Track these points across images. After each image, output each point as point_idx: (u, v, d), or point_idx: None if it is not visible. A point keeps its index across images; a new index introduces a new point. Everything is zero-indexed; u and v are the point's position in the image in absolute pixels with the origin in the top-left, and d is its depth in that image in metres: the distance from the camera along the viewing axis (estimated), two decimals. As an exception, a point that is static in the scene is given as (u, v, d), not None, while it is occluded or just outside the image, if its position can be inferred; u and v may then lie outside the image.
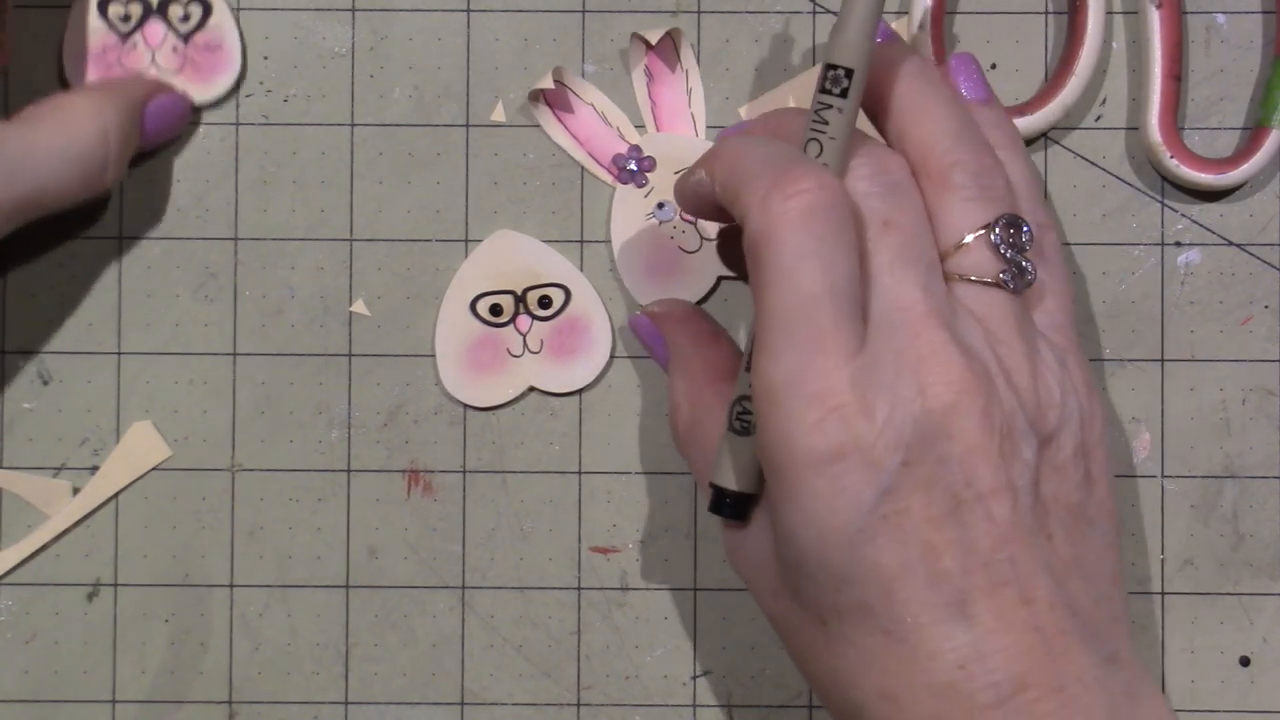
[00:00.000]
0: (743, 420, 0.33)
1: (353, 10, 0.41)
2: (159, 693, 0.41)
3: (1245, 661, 0.41)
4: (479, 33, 0.41)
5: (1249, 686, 0.41)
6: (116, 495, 0.41)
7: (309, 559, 0.41)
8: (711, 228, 0.41)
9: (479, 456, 0.41)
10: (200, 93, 0.41)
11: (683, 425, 0.36)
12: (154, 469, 0.41)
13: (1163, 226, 0.41)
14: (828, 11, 0.41)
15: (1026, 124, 0.40)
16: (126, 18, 0.41)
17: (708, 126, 0.41)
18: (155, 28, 0.41)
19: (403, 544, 0.41)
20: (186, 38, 0.41)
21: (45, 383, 0.41)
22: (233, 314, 0.41)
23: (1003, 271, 0.32)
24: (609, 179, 0.41)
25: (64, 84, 0.41)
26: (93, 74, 0.41)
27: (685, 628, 0.41)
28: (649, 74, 0.41)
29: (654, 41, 0.40)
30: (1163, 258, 0.41)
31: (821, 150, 0.32)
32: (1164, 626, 0.41)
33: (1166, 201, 0.41)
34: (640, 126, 0.41)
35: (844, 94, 0.32)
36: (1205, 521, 0.41)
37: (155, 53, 0.41)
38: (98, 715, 0.41)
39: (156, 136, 0.40)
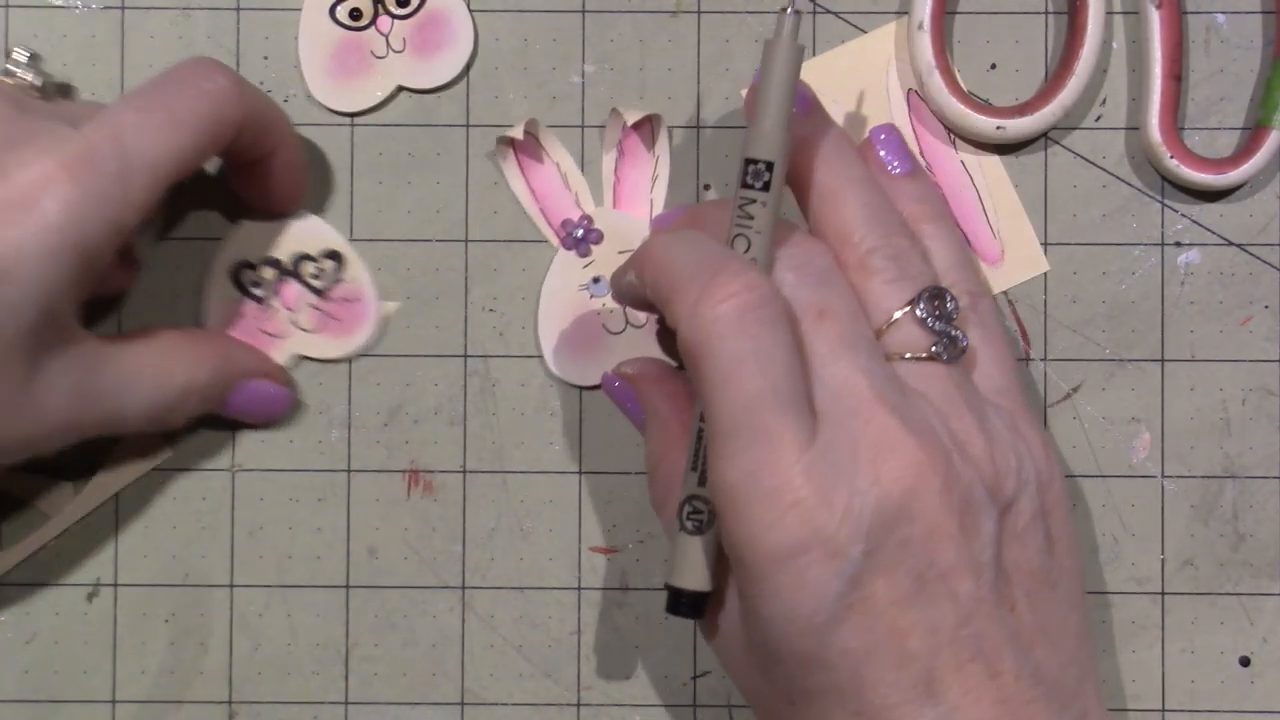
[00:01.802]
0: (694, 520, 0.33)
1: (353, 10, 0.41)
2: (159, 693, 0.41)
3: (1245, 661, 0.41)
4: (479, 32, 0.41)
5: (1249, 686, 0.41)
6: (116, 495, 0.41)
7: (309, 559, 0.41)
8: (638, 316, 0.41)
9: (479, 456, 0.41)
10: (342, 346, 0.41)
11: (659, 489, 0.36)
12: (154, 469, 0.41)
13: (1163, 226, 0.41)
14: (828, 11, 0.41)
15: (1026, 124, 0.40)
16: (259, 283, 0.41)
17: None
18: (290, 289, 0.40)
19: (403, 544, 0.41)
20: (323, 293, 0.41)
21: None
22: (233, 314, 0.41)
23: (934, 345, 0.33)
24: (554, 240, 0.41)
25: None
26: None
27: (685, 628, 0.41)
28: (620, 150, 0.41)
29: (632, 121, 0.40)
30: (1163, 258, 0.41)
31: (749, 245, 0.32)
32: (1164, 626, 0.41)
33: (1166, 201, 0.41)
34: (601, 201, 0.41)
35: (765, 187, 0.32)
36: (1205, 521, 0.41)
37: (294, 315, 0.40)
38: (98, 715, 0.41)
39: (239, 413, 0.39)
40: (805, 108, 0.36)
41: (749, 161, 0.33)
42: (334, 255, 0.41)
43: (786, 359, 0.30)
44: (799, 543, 0.29)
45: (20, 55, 0.39)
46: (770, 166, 0.32)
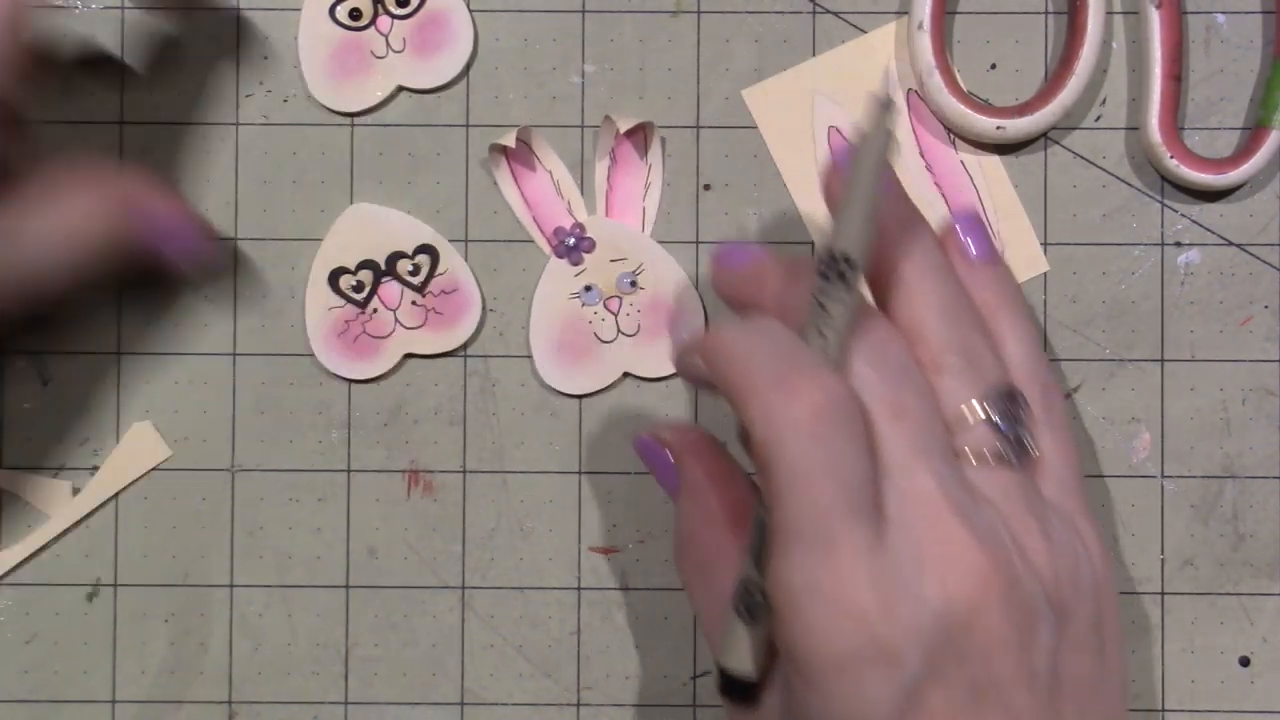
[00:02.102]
0: (750, 608, 0.32)
1: (353, 10, 0.41)
2: (159, 693, 0.41)
3: (1245, 661, 0.41)
4: (479, 32, 0.41)
5: (1249, 686, 0.41)
6: (116, 495, 0.41)
7: (309, 559, 0.41)
8: (629, 324, 0.41)
9: (479, 456, 0.41)
10: (448, 340, 0.41)
11: (693, 565, 0.35)
12: (154, 469, 0.41)
13: (1163, 226, 0.41)
14: (827, 11, 0.41)
15: (1026, 124, 0.40)
16: (359, 286, 0.41)
17: (659, 229, 0.41)
18: (390, 289, 0.41)
19: (403, 544, 0.41)
20: (422, 289, 0.41)
21: (45, 383, 0.41)
22: (233, 314, 0.41)
23: (1004, 448, 0.32)
24: (546, 249, 0.41)
25: (317, 364, 0.41)
26: (341, 351, 0.41)
27: (685, 628, 0.41)
28: (614, 158, 0.41)
29: (625, 129, 0.40)
30: (1163, 258, 0.41)
31: (823, 338, 0.31)
32: (1164, 626, 0.41)
33: (1166, 201, 0.41)
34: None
35: (845, 281, 0.31)
36: (1205, 521, 0.41)
37: (396, 313, 0.41)
38: (98, 715, 0.41)
39: (157, 251, 0.37)
40: (890, 188, 0.35)
41: (830, 253, 0.31)
42: (427, 249, 0.41)
43: (859, 465, 0.30)
44: (858, 652, 0.29)
45: None
46: (851, 261, 0.31)
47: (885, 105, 0.31)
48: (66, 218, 0.35)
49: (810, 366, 0.30)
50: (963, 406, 0.32)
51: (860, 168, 0.31)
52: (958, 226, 0.35)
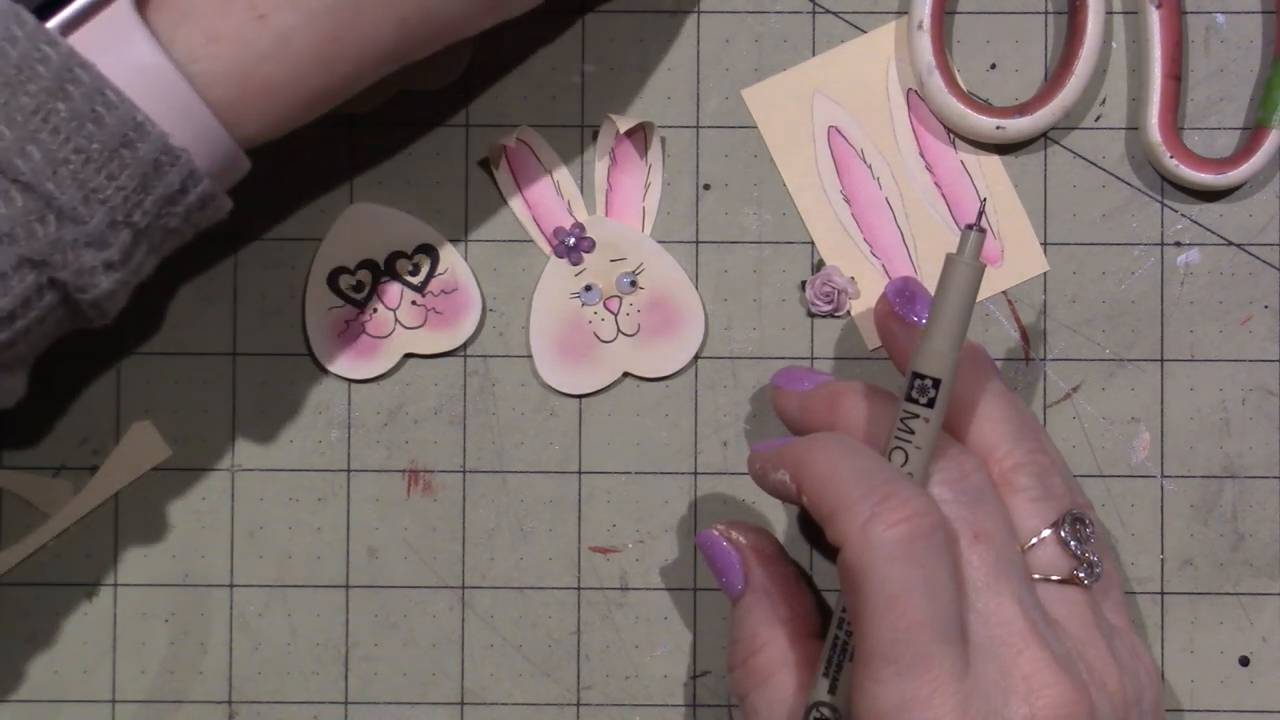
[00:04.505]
0: None
1: (353, 10, 0.41)
2: (159, 693, 0.41)
3: (1245, 661, 0.41)
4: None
5: (1249, 686, 0.41)
6: (116, 495, 0.41)
7: (309, 559, 0.41)
8: (629, 324, 0.41)
9: (479, 456, 0.41)
10: (449, 340, 0.41)
11: (755, 673, 0.35)
12: (154, 469, 0.41)
13: (1163, 226, 0.41)
14: (827, 11, 0.41)
15: (1026, 124, 0.40)
16: (359, 286, 0.41)
17: (655, 230, 0.41)
18: (390, 289, 0.40)
19: (403, 544, 0.41)
20: (422, 289, 0.41)
21: (45, 383, 0.41)
22: (233, 314, 0.41)
23: (1076, 569, 0.33)
24: (546, 249, 0.41)
25: (317, 364, 0.41)
26: (341, 351, 0.40)
27: (685, 628, 0.41)
28: (614, 158, 0.41)
29: (625, 129, 0.40)
30: (1163, 258, 0.41)
31: (906, 459, 0.32)
32: (1164, 626, 0.41)
33: (1166, 201, 0.41)
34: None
35: (930, 403, 0.32)
36: (1205, 521, 0.41)
37: (396, 313, 0.40)
38: (98, 715, 0.41)
39: None
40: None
41: (916, 375, 0.32)
42: (427, 249, 0.41)
43: (950, 588, 0.30)
44: None
45: None
46: (937, 384, 0.32)
47: (979, 235, 0.32)
48: None
49: (904, 488, 0.30)
50: (1038, 526, 0.33)
51: (950, 294, 0.32)
52: (895, 298, 0.36)
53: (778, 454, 0.33)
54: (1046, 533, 0.33)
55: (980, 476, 0.33)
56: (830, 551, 0.32)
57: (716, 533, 0.36)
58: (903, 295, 0.36)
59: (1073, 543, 0.33)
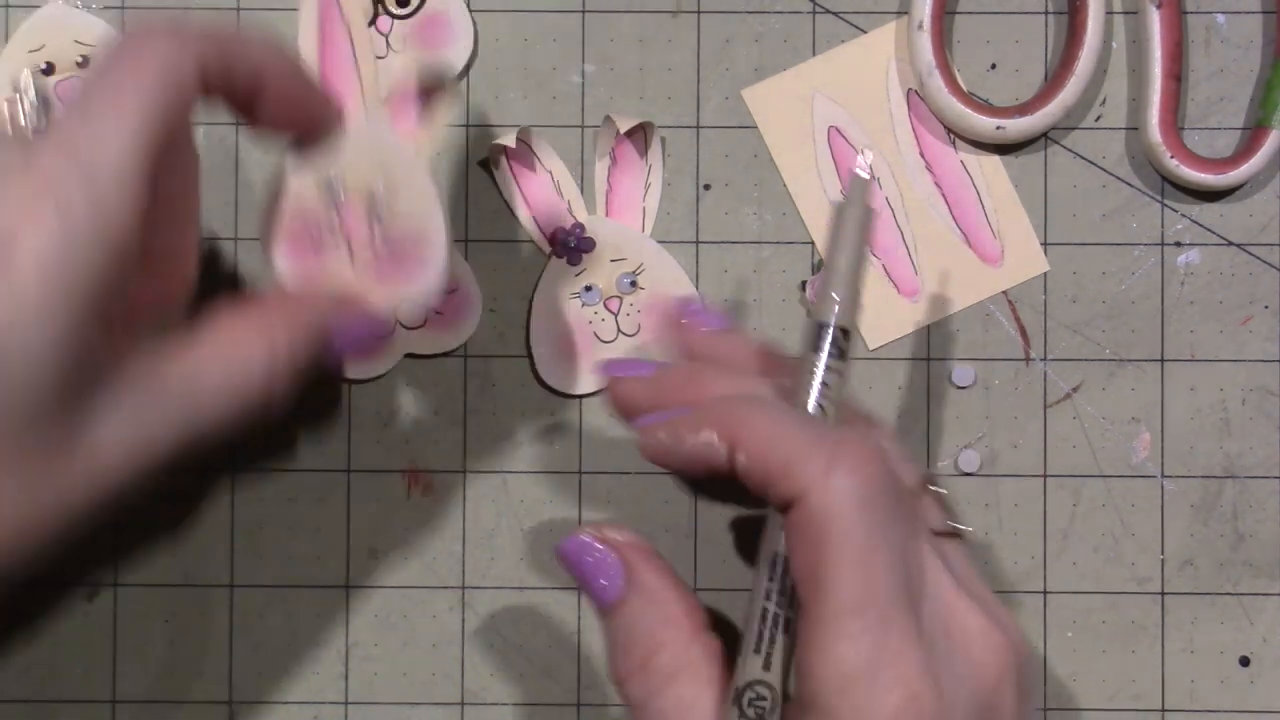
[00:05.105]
0: (758, 708, 0.30)
1: (353, 10, 0.41)
2: (159, 693, 0.41)
3: (1245, 661, 0.41)
4: (479, 32, 0.41)
5: (1249, 686, 0.41)
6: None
7: (309, 559, 0.41)
8: (629, 324, 0.41)
9: (479, 457, 0.41)
10: (449, 340, 0.40)
11: (658, 674, 0.32)
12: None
13: (1163, 226, 0.41)
14: (827, 11, 0.41)
15: (1026, 124, 0.40)
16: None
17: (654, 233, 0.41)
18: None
19: (403, 544, 0.41)
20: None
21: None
22: (233, 314, 0.41)
23: (952, 522, 0.33)
24: (545, 248, 0.41)
25: None
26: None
27: (685, 628, 0.41)
28: (614, 158, 0.41)
29: (625, 129, 0.40)
30: (1163, 258, 0.41)
31: (824, 415, 0.31)
32: (1164, 626, 0.41)
33: (1166, 201, 0.41)
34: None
35: (842, 353, 0.31)
36: (1205, 521, 0.41)
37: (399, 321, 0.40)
38: (98, 715, 0.41)
39: (341, 361, 0.35)
40: (720, 323, 0.35)
41: (827, 327, 0.31)
42: None
43: (904, 538, 0.29)
44: None
45: (26, 83, 0.37)
46: (847, 332, 0.31)
47: (864, 182, 0.32)
48: (244, 358, 0.32)
49: (853, 436, 0.30)
50: (917, 485, 0.32)
51: (845, 243, 0.32)
52: (686, 314, 0.35)
53: (699, 416, 0.31)
54: (929, 490, 0.33)
55: (878, 432, 0.33)
56: (744, 541, 0.32)
57: (588, 536, 0.33)
58: (688, 310, 0.35)
59: (944, 495, 0.33)
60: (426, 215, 0.33)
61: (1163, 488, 0.41)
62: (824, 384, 0.31)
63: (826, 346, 0.31)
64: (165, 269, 0.35)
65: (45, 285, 0.28)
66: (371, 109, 0.33)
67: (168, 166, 0.31)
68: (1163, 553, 0.41)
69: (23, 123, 0.35)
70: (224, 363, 0.32)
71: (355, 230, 0.34)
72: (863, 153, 0.33)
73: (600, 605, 0.33)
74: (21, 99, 0.36)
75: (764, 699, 0.30)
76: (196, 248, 0.35)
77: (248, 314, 0.33)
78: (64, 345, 0.29)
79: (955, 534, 0.32)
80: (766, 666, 0.30)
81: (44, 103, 0.36)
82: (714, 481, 0.32)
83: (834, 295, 0.31)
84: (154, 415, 0.31)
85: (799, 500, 0.29)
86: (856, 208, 0.31)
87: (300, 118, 0.34)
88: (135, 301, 0.32)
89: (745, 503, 0.33)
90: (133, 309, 0.32)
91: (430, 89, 0.32)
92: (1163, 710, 0.41)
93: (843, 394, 0.31)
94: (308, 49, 0.39)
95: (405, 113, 0.33)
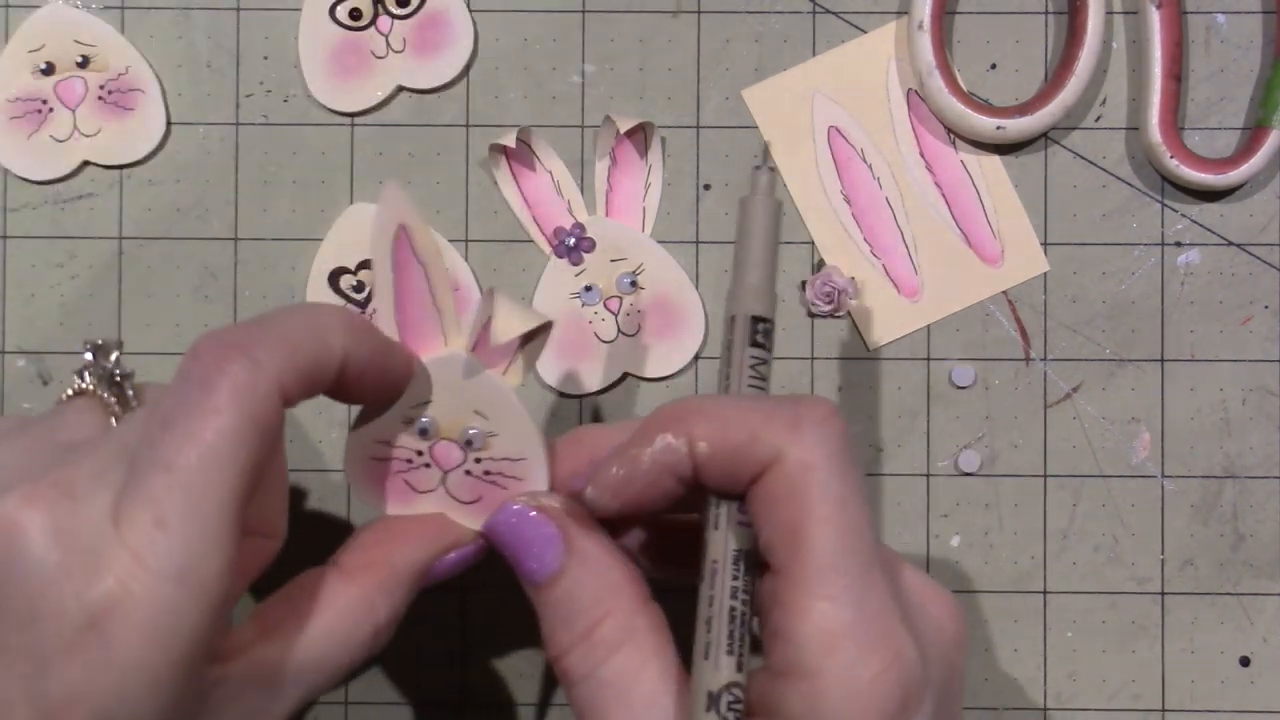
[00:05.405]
0: (735, 710, 0.29)
1: (353, 10, 0.41)
2: (159, 693, 0.41)
3: (1245, 661, 0.41)
4: (479, 32, 0.41)
5: (1249, 686, 0.41)
6: (116, 495, 0.41)
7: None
8: (629, 324, 0.41)
9: (479, 456, 0.41)
10: None
11: (603, 644, 0.30)
12: (154, 469, 0.41)
13: (1163, 226, 0.41)
14: (827, 11, 0.41)
15: (1026, 124, 0.40)
16: (359, 286, 0.41)
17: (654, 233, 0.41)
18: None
19: (403, 544, 0.41)
20: None
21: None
22: (233, 314, 0.41)
23: None
24: (546, 248, 0.41)
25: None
26: None
27: (685, 627, 0.41)
28: (614, 158, 0.41)
29: (625, 129, 0.40)
30: (1163, 258, 0.41)
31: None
32: (1164, 626, 0.41)
33: (1166, 201, 0.41)
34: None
35: (768, 342, 0.32)
36: (1205, 521, 0.41)
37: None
38: (98, 715, 0.41)
39: (435, 583, 0.34)
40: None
41: (752, 319, 0.31)
42: None
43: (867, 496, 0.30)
44: (902, 699, 0.28)
45: (90, 356, 0.33)
46: (769, 322, 0.32)
47: (770, 173, 0.32)
48: (352, 633, 0.31)
49: (806, 398, 0.30)
50: None
51: (755, 235, 0.32)
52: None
53: (650, 424, 0.30)
54: None
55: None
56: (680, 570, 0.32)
57: (520, 505, 0.32)
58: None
59: None
60: (525, 440, 0.33)
61: (1163, 488, 0.41)
62: (759, 376, 0.31)
63: (747, 336, 0.31)
64: (256, 544, 0.34)
65: (149, 661, 0.27)
66: (455, 347, 0.32)
67: (258, 483, 0.29)
68: (1163, 553, 0.41)
69: (117, 413, 0.33)
70: (333, 642, 0.31)
71: (448, 463, 0.33)
72: (765, 144, 0.33)
73: (535, 579, 0.31)
74: (101, 381, 0.33)
75: (740, 701, 0.29)
76: (285, 512, 0.34)
77: (347, 586, 0.32)
78: (172, 703, 0.28)
79: None
80: (739, 668, 0.30)
81: (121, 383, 0.33)
82: (662, 541, 0.32)
83: (747, 285, 0.32)
84: (266, 709, 0.30)
85: (772, 464, 0.28)
86: (764, 199, 0.32)
87: (382, 385, 0.32)
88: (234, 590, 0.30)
89: (686, 566, 0.32)
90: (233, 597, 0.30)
91: (531, 334, 0.32)
92: (1163, 710, 0.41)
93: (767, 385, 0.31)
94: (383, 292, 0.33)
95: (498, 352, 0.32)
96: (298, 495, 0.41)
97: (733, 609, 0.30)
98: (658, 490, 0.30)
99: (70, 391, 0.33)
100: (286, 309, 0.30)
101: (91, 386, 0.33)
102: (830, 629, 0.28)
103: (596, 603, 0.31)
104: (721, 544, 0.30)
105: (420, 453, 0.33)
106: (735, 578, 0.30)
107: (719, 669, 0.29)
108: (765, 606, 0.29)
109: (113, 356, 0.33)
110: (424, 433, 0.32)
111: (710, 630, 0.30)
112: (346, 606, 0.31)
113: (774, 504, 0.28)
